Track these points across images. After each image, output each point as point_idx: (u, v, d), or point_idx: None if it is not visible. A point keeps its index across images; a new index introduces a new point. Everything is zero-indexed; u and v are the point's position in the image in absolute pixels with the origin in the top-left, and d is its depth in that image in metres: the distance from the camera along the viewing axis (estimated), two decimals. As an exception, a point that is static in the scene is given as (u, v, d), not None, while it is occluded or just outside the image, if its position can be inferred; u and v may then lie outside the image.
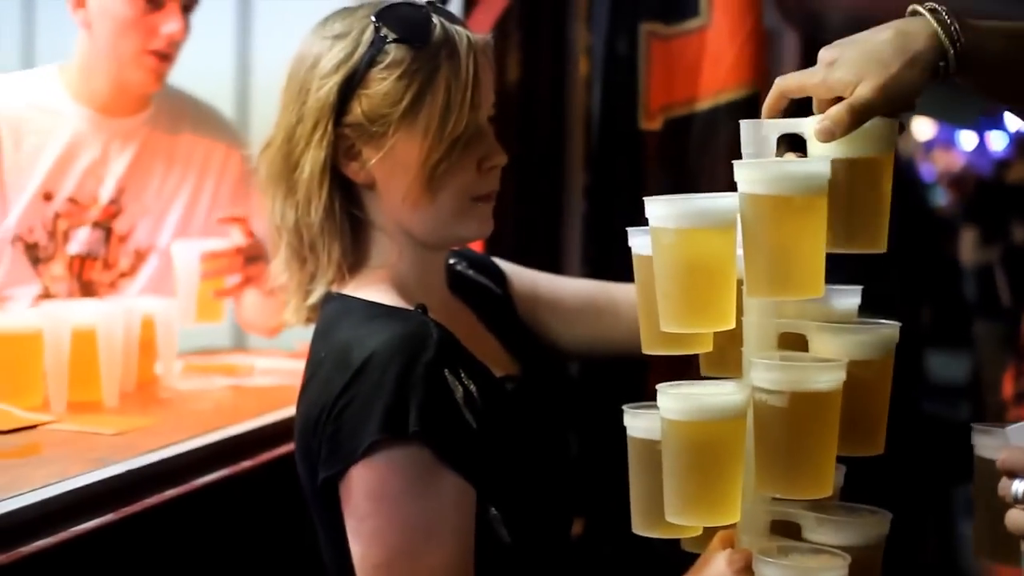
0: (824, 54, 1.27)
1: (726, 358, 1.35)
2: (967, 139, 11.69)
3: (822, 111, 1.26)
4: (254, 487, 1.86)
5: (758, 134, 1.31)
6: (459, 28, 1.47)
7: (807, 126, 1.27)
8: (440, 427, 1.35)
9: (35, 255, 2.38)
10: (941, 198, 9.27)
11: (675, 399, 1.25)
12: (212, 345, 2.84)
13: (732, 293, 1.27)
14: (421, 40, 1.44)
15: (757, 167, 1.25)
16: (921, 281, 5.84)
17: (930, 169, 10.01)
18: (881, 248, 1.27)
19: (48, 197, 2.38)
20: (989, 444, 1.29)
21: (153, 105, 2.48)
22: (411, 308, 1.46)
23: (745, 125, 1.32)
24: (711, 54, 2.42)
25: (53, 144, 2.38)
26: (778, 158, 1.31)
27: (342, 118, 1.45)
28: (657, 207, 1.27)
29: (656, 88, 2.46)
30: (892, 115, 1.25)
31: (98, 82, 2.39)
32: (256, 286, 2.42)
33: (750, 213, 1.24)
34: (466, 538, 1.38)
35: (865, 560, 1.28)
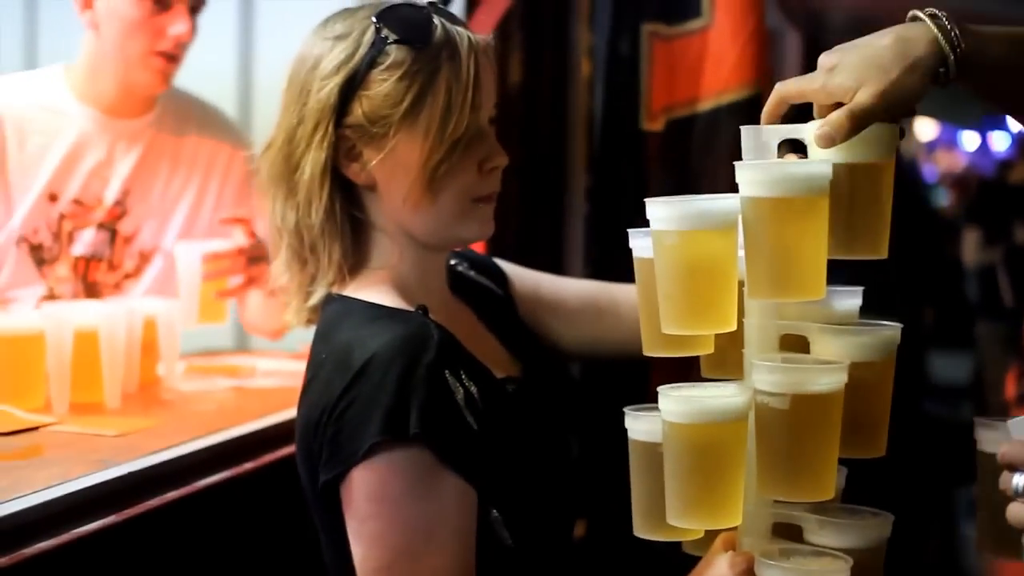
0: (824, 60, 1.27)
1: (727, 360, 1.35)
2: (969, 140, 11.70)
3: (822, 116, 1.26)
4: (256, 489, 1.86)
5: (758, 140, 1.31)
6: (460, 29, 1.47)
7: (807, 132, 1.27)
8: (441, 429, 1.35)
9: (40, 256, 2.39)
10: (943, 199, 9.28)
11: (676, 401, 1.25)
12: (214, 346, 2.84)
13: (733, 295, 1.27)
14: (422, 41, 1.44)
15: (758, 169, 1.25)
16: (923, 282, 5.84)
17: (932, 170, 10.01)
18: (882, 254, 1.27)
19: (53, 198, 2.38)
20: (991, 438, 1.29)
21: (158, 107, 2.48)
22: (412, 309, 1.46)
23: (745, 131, 1.32)
24: (713, 55, 2.42)
25: (58, 145, 2.38)
26: (779, 160, 1.31)
27: (343, 119, 1.45)
28: (658, 209, 1.27)
29: (658, 89, 2.45)
30: (892, 120, 1.25)
31: (105, 83, 2.40)
32: (259, 287, 2.42)
33: (751, 215, 1.24)
34: (467, 540, 1.38)
35: (867, 562, 1.28)
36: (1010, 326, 6.23)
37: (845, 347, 1.28)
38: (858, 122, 1.22)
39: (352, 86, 1.44)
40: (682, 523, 1.27)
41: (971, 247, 6.71)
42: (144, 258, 2.49)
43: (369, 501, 1.35)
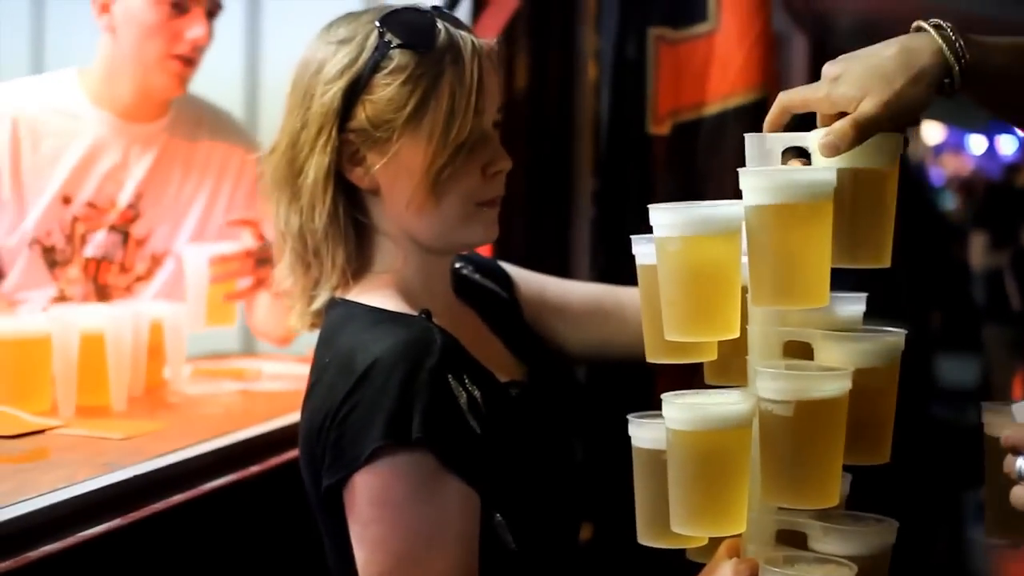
0: (828, 69, 1.27)
1: (730, 367, 1.35)
2: (977, 143, 11.68)
3: (826, 126, 1.26)
4: (262, 492, 1.86)
5: (762, 147, 1.31)
6: (463, 33, 1.47)
7: (811, 140, 1.27)
8: (444, 433, 1.35)
9: (52, 258, 2.40)
10: (950, 202, 9.27)
11: (680, 409, 1.25)
12: (221, 350, 2.84)
13: (737, 301, 1.27)
14: (425, 45, 1.44)
15: (762, 175, 1.25)
16: (930, 285, 5.84)
17: (939, 173, 10.01)
18: (885, 263, 1.27)
19: (67, 201, 2.39)
20: (998, 423, 1.29)
21: (172, 111, 2.49)
22: (415, 314, 1.46)
23: (749, 139, 1.32)
24: (719, 58, 2.42)
25: (73, 148, 2.39)
26: (783, 166, 1.31)
27: (346, 123, 1.46)
28: (661, 215, 1.27)
29: (664, 93, 2.46)
30: (897, 129, 1.25)
31: (121, 87, 2.40)
32: (267, 289, 2.43)
33: (755, 221, 1.24)
34: (470, 544, 1.38)
35: (871, 569, 1.28)
36: (1017, 329, 6.23)
37: (849, 354, 1.28)
38: (862, 131, 1.22)
39: (356, 90, 1.44)
40: (686, 530, 1.27)
41: (978, 251, 6.71)
42: (156, 261, 2.50)
43: (372, 505, 1.35)
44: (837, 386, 1.24)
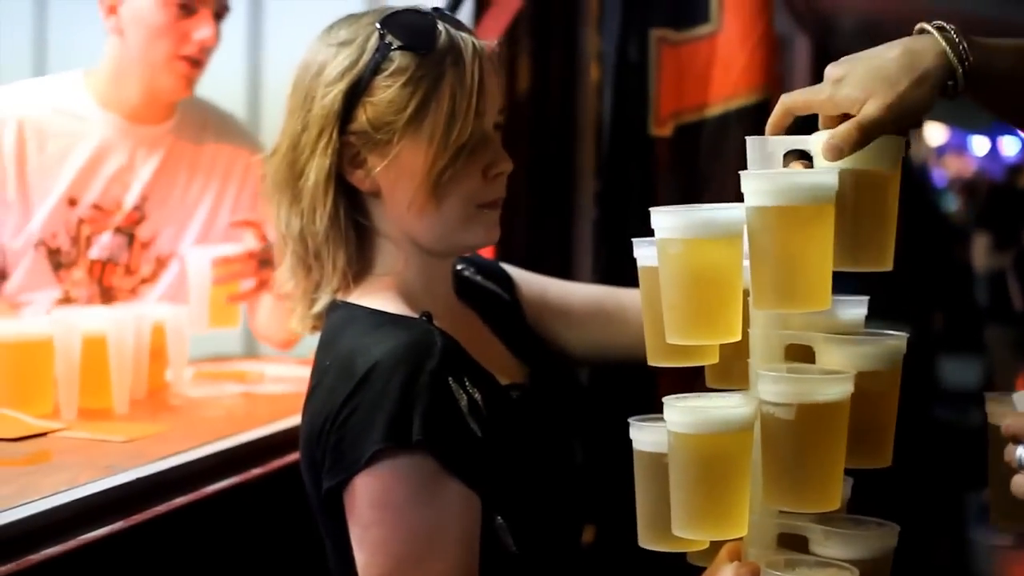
0: (831, 71, 1.27)
1: (731, 370, 1.35)
2: (979, 144, 11.68)
3: (828, 128, 1.26)
4: (264, 495, 1.86)
5: (764, 150, 1.31)
6: (464, 35, 1.47)
7: (813, 143, 1.27)
8: (444, 435, 1.35)
9: (57, 260, 2.40)
10: (953, 203, 9.26)
11: (682, 412, 1.25)
12: (223, 352, 2.84)
13: (738, 304, 1.27)
14: (426, 47, 1.44)
15: (764, 178, 1.25)
16: (933, 286, 5.84)
17: (942, 174, 10.00)
18: (887, 267, 1.27)
19: (73, 203, 2.40)
20: (1001, 412, 1.30)
21: (178, 114, 2.49)
22: (416, 316, 1.46)
23: (751, 142, 1.31)
24: (722, 60, 2.42)
25: (79, 150, 2.40)
26: (785, 169, 1.30)
27: (347, 126, 1.45)
28: (663, 218, 1.27)
29: (667, 94, 2.45)
30: (900, 132, 1.25)
31: (129, 88, 2.41)
32: (270, 291, 2.43)
33: (757, 224, 1.24)
34: (471, 547, 1.37)
35: (873, 573, 1.27)
36: (1020, 330, 6.23)
37: (850, 357, 1.28)
38: (866, 134, 1.22)
39: (356, 92, 1.44)
40: (687, 534, 1.27)
41: (981, 252, 6.70)
42: (161, 263, 2.50)
43: (372, 508, 1.35)
44: (839, 389, 1.24)
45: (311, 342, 1.55)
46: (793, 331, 1.31)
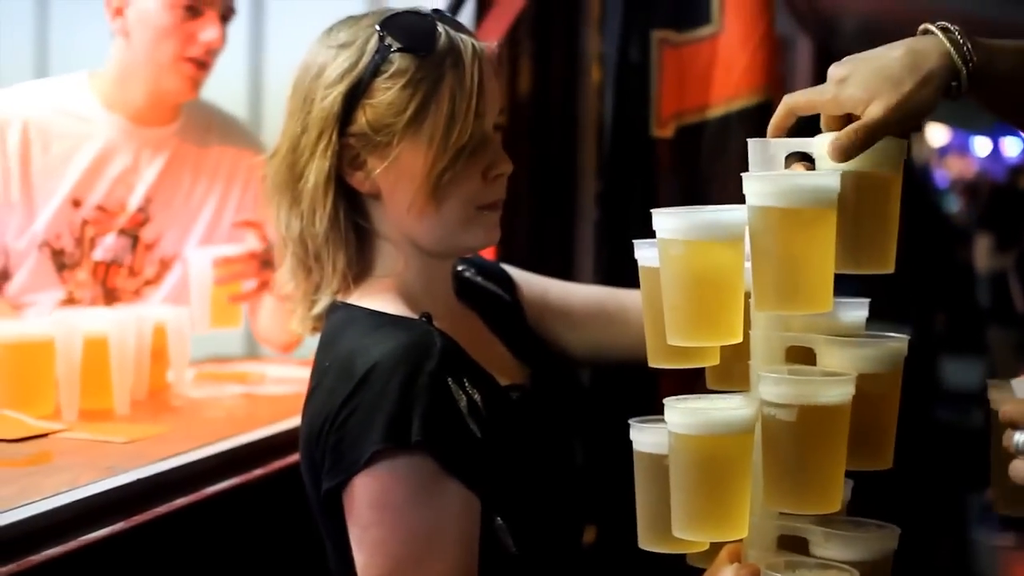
0: (834, 71, 1.27)
1: (732, 372, 1.35)
2: (981, 145, 11.67)
3: (830, 129, 1.26)
4: (265, 496, 1.86)
5: (765, 153, 1.31)
6: (464, 36, 1.47)
7: (816, 145, 1.27)
8: (443, 436, 1.35)
9: (61, 261, 2.41)
10: (955, 204, 9.26)
11: (683, 413, 1.25)
12: (225, 353, 2.84)
13: (740, 306, 1.27)
14: (425, 49, 1.44)
15: (766, 180, 1.25)
16: (935, 288, 5.83)
17: (944, 175, 9.99)
18: (889, 269, 1.27)
19: (77, 204, 2.40)
20: (1000, 399, 1.30)
21: (182, 116, 2.50)
22: (416, 317, 1.46)
23: (753, 144, 1.31)
24: (723, 61, 2.42)
25: (84, 151, 2.40)
26: (787, 171, 1.30)
27: (346, 128, 1.45)
28: (665, 219, 1.27)
29: (668, 95, 2.45)
30: (903, 133, 1.25)
31: (134, 90, 2.41)
32: (272, 291, 2.43)
33: (759, 226, 1.24)
34: (470, 547, 1.37)
35: (873, 575, 1.28)
36: (1022, 331, 6.22)
37: (852, 359, 1.28)
38: (871, 135, 1.22)
39: (356, 94, 1.44)
40: (687, 535, 1.27)
41: (983, 253, 6.70)
42: (164, 265, 2.51)
43: (371, 509, 1.35)
44: (841, 391, 1.24)
45: (312, 343, 1.55)
46: (794, 333, 1.31)
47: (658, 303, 1.30)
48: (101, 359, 2.04)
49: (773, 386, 1.24)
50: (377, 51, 1.44)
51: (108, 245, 2.43)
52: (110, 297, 2.44)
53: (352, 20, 1.50)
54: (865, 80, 1.24)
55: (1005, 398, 1.24)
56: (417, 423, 1.33)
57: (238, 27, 2.47)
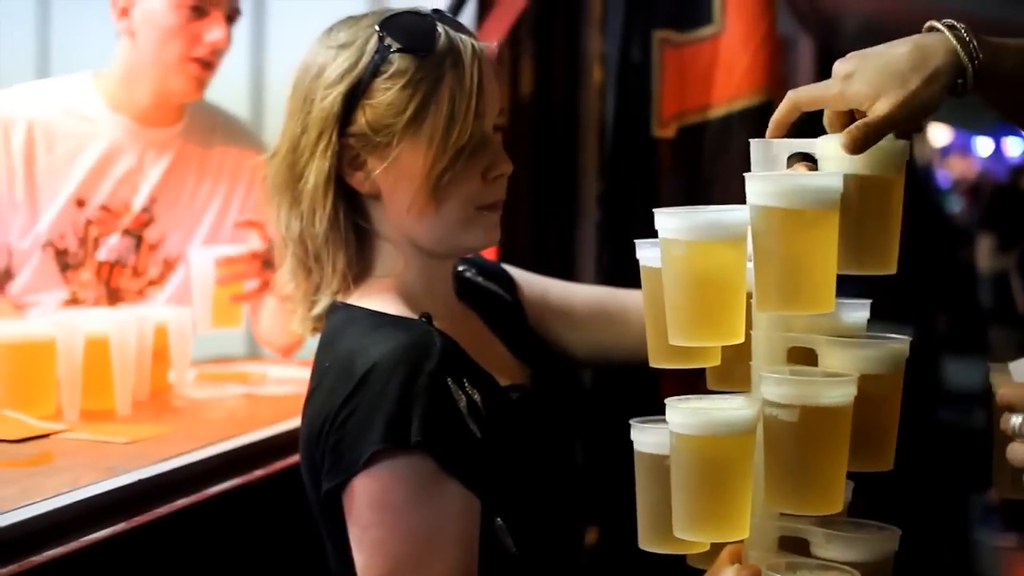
0: (840, 67, 1.27)
1: (733, 372, 1.35)
2: (983, 145, 11.66)
3: (834, 125, 1.26)
4: (267, 496, 1.86)
5: (768, 153, 1.30)
6: (464, 36, 1.47)
7: (818, 146, 1.27)
8: (443, 436, 1.35)
9: (64, 261, 2.41)
10: (957, 205, 9.26)
11: (684, 414, 1.25)
12: (226, 353, 2.84)
13: (742, 306, 1.27)
14: (425, 49, 1.44)
15: (769, 180, 1.25)
16: (937, 288, 5.83)
17: (946, 175, 9.99)
18: (891, 270, 1.27)
19: (81, 204, 2.41)
20: (1001, 382, 1.30)
21: (187, 116, 2.50)
22: (416, 317, 1.46)
23: (755, 144, 1.31)
24: (724, 61, 2.42)
25: (88, 151, 2.41)
26: (789, 171, 1.30)
27: (346, 128, 1.45)
28: (667, 219, 1.27)
29: (669, 96, 2.46)
30: (908, 131, 1.25)
31: (140, 90, 2.41)
32: (273, 292, 2.43)
33: (761, 226, 1.24)
34: (470, 548, 1.37)
35: (874, 576, 1.28)
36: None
37: (854, 360, 1.28)
38: (878, 132, 1.22)
39: (355, 95, 1.44)
40: (688, 536, 1.27)
41: (985, 253, 6.70)
42: (168, 265, 2.51)
43: (371, 509, 1.35)
44: (843, 392, 1.24)
45: (313, 343, 1.55)
46: (796, 333, 1.31)
47: (660, 303, 1.30)
48: (103, 359, 2.04)
49: (775, 386, 1.24)
50: (377, 51, 1.44)
51: (112, 245, 2.43)
52: (114, 297, 2.44)
53: (352, 20, 1.50)
54: (871, 76, 1.24)
55: (1003, 381, 1.24)
56: (417, 423, 1.33)
57: (240, 27, 2.48)
